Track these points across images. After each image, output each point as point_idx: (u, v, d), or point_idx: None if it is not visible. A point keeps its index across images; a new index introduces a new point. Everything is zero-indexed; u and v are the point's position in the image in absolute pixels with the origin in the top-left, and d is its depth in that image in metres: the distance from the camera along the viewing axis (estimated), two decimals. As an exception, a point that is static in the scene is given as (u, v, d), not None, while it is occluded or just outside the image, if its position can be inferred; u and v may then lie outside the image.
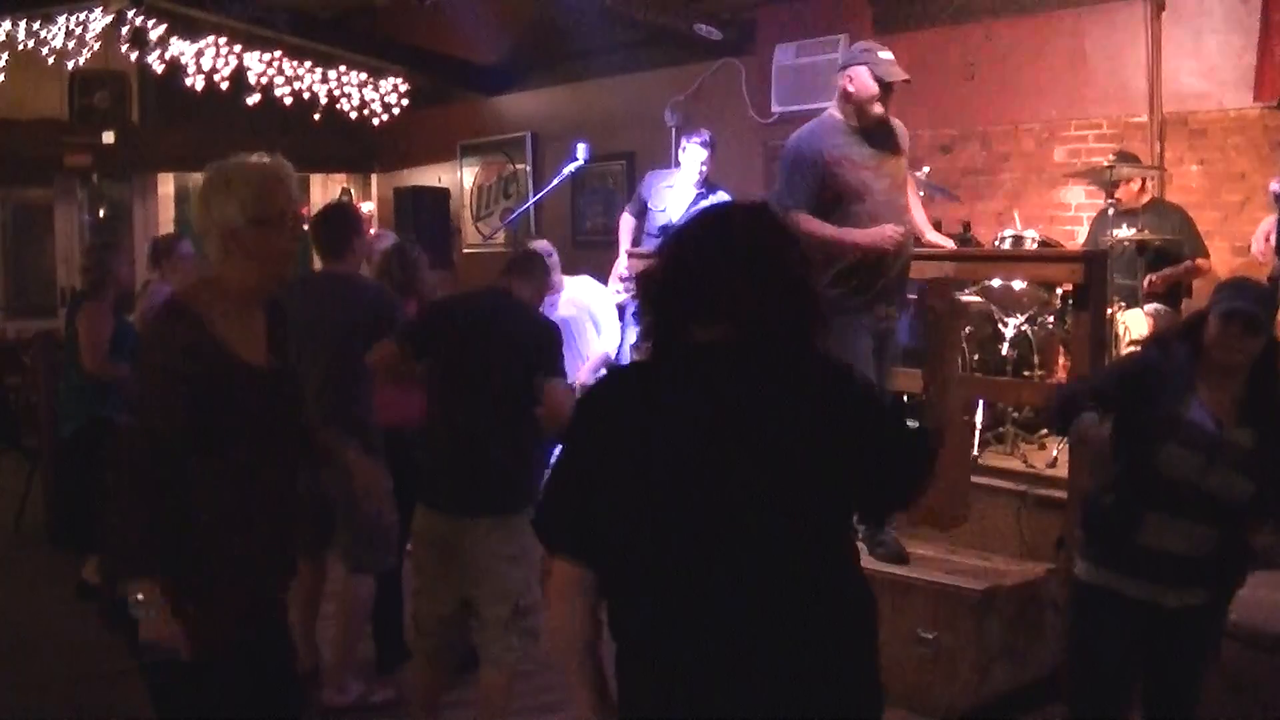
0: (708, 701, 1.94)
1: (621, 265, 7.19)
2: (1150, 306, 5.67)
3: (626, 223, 7.23)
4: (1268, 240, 4.99)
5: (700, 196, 6.86)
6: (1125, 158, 6.07)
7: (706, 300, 2.02)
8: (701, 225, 2.12)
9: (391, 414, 4.61)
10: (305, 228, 2.72)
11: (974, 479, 5.15)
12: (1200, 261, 5.92)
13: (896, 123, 4.73)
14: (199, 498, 2.55)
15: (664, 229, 6.87)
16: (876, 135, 4.64)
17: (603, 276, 7.23)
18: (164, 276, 6.34)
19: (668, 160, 8.21)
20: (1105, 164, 5.82)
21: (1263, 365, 3.09)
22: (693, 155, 6.85)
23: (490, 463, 3.75)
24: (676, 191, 6.95)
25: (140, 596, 2.46)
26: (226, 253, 2.62)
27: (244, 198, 2.59)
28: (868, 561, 4.50)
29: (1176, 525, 3.07)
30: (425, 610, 3.88)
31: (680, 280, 2.04)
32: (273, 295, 2.77)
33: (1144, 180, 6.16)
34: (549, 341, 3.89)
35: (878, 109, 4.56)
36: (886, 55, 4.60)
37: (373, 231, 7.03)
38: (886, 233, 4.50)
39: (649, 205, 7.08)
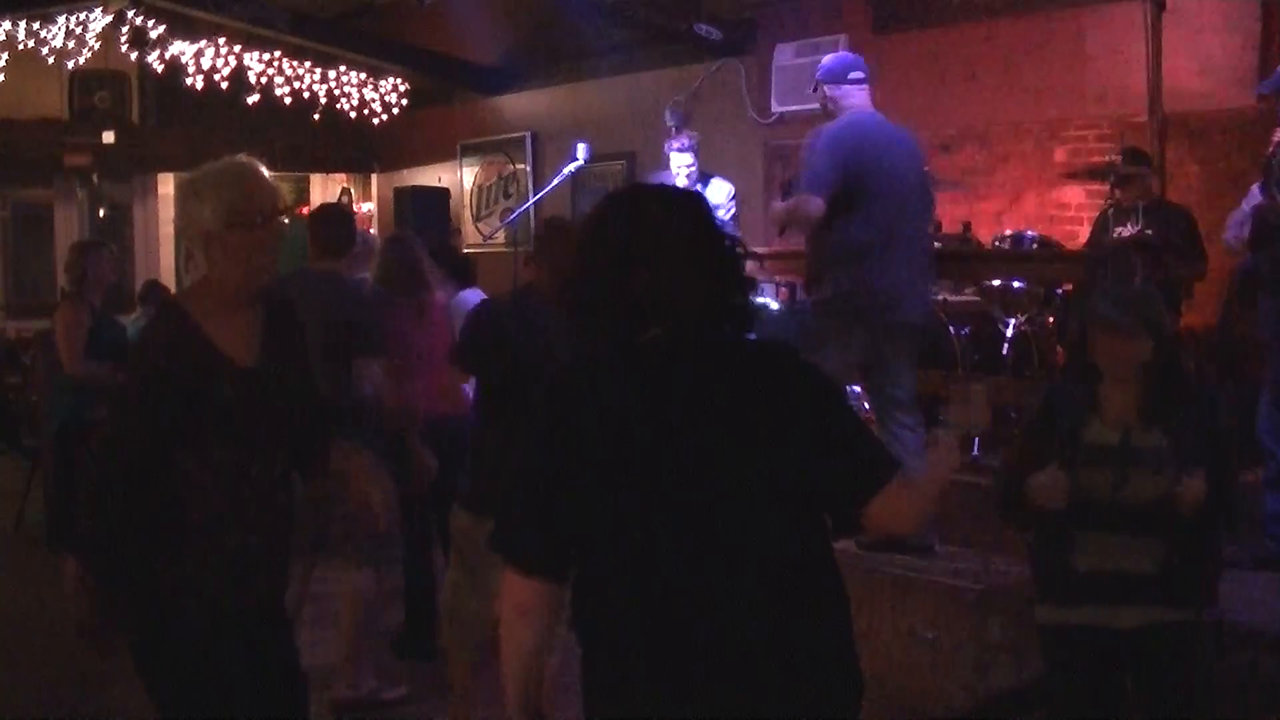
0: (693, 693, 1.94)
1: None
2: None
3: None
4: (1239, 227, 4.95)
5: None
6: (1136, 155, 6.06)
7: (645, 301, 2.00)
8: (622, 221, 2.05)
9: (441, 405, 4.63)
10: (287, 222, 2.80)
11: (974, 479, 5.15)
12: (1198, 265, 5.91)
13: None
14: (188, 495, 2.60)
15: None
16: None
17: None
18: None
19: (667, 160, 8.21)
20: (1110, 159, 5.81)
21: (1161, 365, 3.02)
22: (677, 162, 6.91)
23: None
24: None
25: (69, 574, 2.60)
26: (208, 256, 2.67)
27: (216, 204, 2.63)
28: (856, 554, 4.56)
29: (1111, 541, 3.01)
30: (466, 603, 3.88)
31: (612, 282, 2.01)
32: (281, 295, 2.86)
33: (1150, 179, 6.15)
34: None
35: None
36: None
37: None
38: None
39: None
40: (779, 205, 5.06)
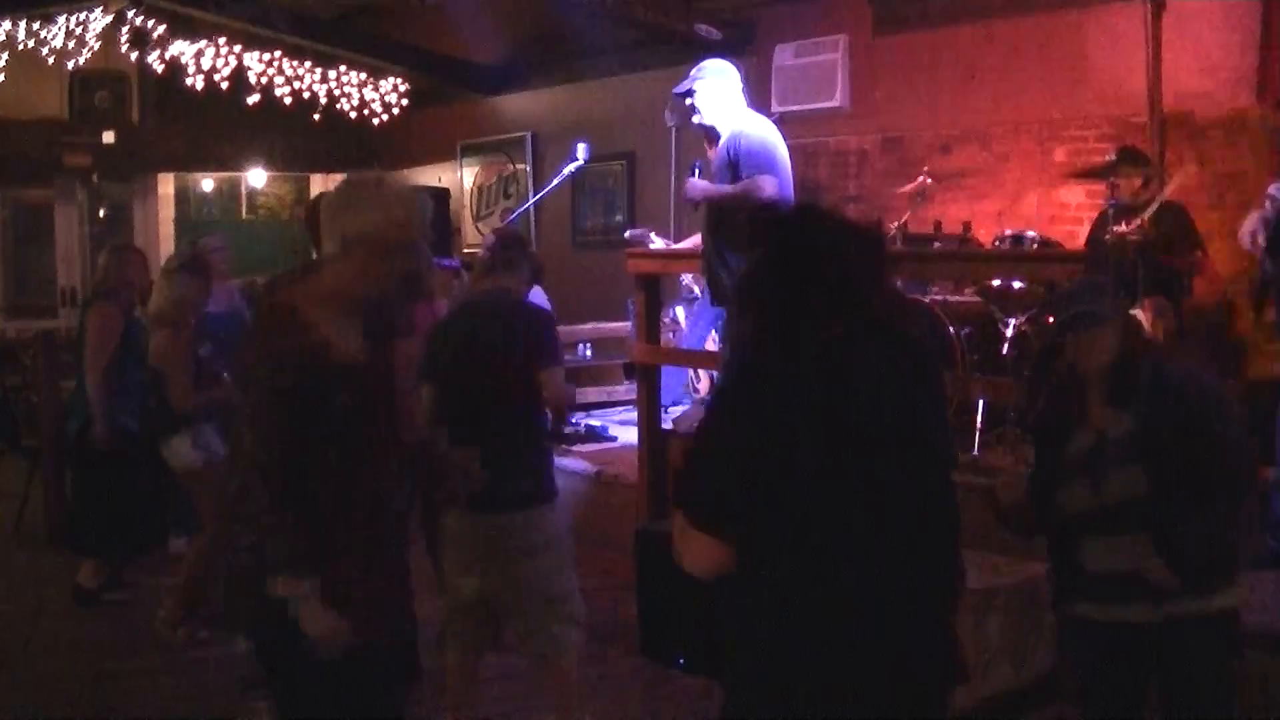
0: (864, 657, 2.15)
1: None
2: (1150, 301, 5.66)
3: None
4: (1253, 236, 4.95)
5: None
6: (1132, 154, 6.06)
7: (837, 300, 2.24)
8: (814, 230, 2.31)
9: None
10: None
11: (974, 479, 5.15)
12: (1200, 255, 5.91)
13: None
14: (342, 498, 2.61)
15: None
16: None
17: (605, 277, 7.20)
18: None
19: (667, 160, 8.21)
20: (1109, 159, 5.82)
21: (1122, 350, 3.04)
22: None
23: (502, 458, 3.80)
24: None
25: (302, 591, 2.56)
26: (346, 260, 2.67)
27: (382, 215, 2.66)
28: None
29: (1113, 543, 3.02)
30: (452, 600, 3.98)
31: (808, 284, 2.24)
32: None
33: (1147, 178, 6.15)
34: (543, 330, 3.95)
35: None
36: None
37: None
38: None
39: None
40: (701, 184, 5.37)
